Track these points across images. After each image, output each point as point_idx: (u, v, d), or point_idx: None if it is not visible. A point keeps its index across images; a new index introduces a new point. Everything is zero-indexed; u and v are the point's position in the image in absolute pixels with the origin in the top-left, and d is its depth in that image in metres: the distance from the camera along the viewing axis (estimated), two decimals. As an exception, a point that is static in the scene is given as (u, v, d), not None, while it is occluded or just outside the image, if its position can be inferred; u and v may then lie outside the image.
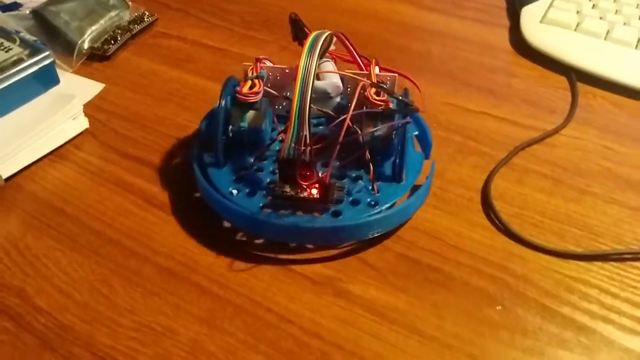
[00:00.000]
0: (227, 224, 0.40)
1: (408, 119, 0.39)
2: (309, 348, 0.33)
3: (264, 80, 0.40)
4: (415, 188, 0.39)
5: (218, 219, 0.39)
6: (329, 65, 0.43)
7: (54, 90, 0.46)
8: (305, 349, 0.33)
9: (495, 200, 0.41)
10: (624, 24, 0.54)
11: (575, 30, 0.55)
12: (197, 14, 0.61)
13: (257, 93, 0.39)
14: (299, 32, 0.42)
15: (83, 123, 0.45)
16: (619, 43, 0.53)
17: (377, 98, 0.38)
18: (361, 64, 0.42)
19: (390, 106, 0.38)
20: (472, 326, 0.34)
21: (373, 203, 0.38)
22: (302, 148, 0.35)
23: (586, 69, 0.52)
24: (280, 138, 0.40)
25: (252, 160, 0.41)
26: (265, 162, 0.41)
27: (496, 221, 0.40)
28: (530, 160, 0.45)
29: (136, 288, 0.36)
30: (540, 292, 0.36)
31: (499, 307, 0.35)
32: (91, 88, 0.49)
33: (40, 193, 0.42)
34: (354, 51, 0.42)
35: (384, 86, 0.39)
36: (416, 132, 0.43)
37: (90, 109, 0.48)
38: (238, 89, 0.39)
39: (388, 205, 0.38)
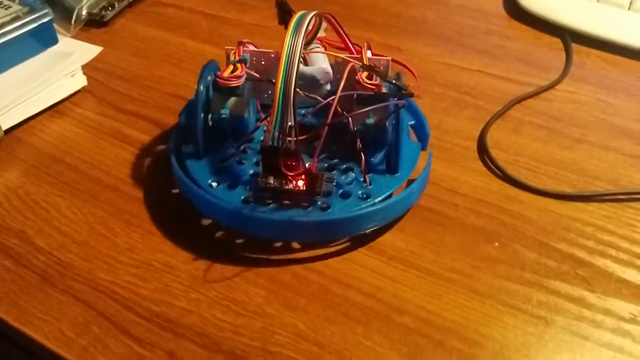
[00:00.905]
0: (206, 222, 0.36)
1: (403, 101, 0.35)
2: (307, 282, 0.33)
3: (247, 64, 0.37)
4: (410, 182, 0.37)
5: (197, 216, 0.36)
6: (318, 51, 0.40)
7: (52, 49, 0.46)
8: (304, 282, 0.33)
9: (491, 148, 0.42)
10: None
11: (568, -6, 0.55)
12: (194, -16, 0.61)
13: (239, 77, 0.36)
14: (285, 14, 0.38)
15: (81, 81, 0.46)
16: (611, 4, 0.53)
17: (369, 82, 0.35)
18: (352, 48, 0.39)
19: (384, 90, 0.35)
20: (469, 261, 0.35)
21: (365, 196, 0.35)
22: (287, 137, 0.32)
23: (580, 29, 0.52)
24: (263, 126, 0.37)
25: (233, 150, 0.37)
26: (248, 152, 0.38)
27: (492, 167, 0.41)
28: (526, 112, 0.45)
29: (135, 229, 0.36)
30: (537, 229, 0.36)
31: (497, 244, 0.36)
32: (89, 50, 0.50)
33: (39, 145, 0.42)
34: (343, 34, 0.38)
35: (377, 69, 0.36)
36: (412, 122, 0.40)
37: (88, 70, 0.48)
38: (219, 73, 0.36)
39: (381, 197, 0.35)
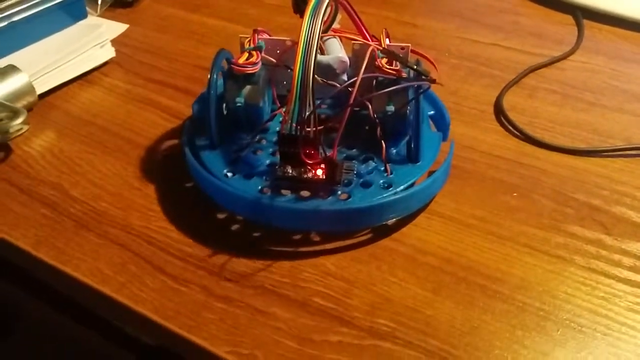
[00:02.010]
0: (221, 215, 0.35)
1: (425, 84, 0.34)
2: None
3: (262, 51, 0.36)
4: (431, 173, 0.36)
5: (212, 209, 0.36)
6: (334, 41, 0.39)
7: (81, 23, 0.48)
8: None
9: (507, 111, 0.43)
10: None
11: (578, -26, 0.57)
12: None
13: (255, 64, 0.35)
14: (300, 3, 0.37)
15: (110, 52, 0.48)
16: (621, -18, 0.55)
17: (389, 67, 0.35)
18: (367, 35, 0.37)
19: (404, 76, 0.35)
20: (489, 209, 0.36)
21: (386, 185, 0.34)
22: (306, 124, 0.31)
23: (591, 6, 0.54)
24: (279, 115, 0.37)
25: (248, 140, 0.36)
26: (263, 143, 0.37)
27: (509, 127, 0.42)
28: (540, 80, 0.47)
29: (169, 183, 0.38)
30: (554, 181, 0.37)
31: (515, 194, 0.37)
32: (116, 27, 0.52)
33: (71, 109, 0.44)
34: (359, 21, 0.37)
35: (398, 54, 0.36)
36: (431, 112, 0.40)
37: (115, 45, 0.50)
38: (234, 60, 0.36)
39: (403, 187, 0.34)
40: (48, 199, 0.36)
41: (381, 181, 0.34)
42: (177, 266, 0.32)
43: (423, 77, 0.34)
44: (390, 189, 0.34)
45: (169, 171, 0.38)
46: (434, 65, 0.36)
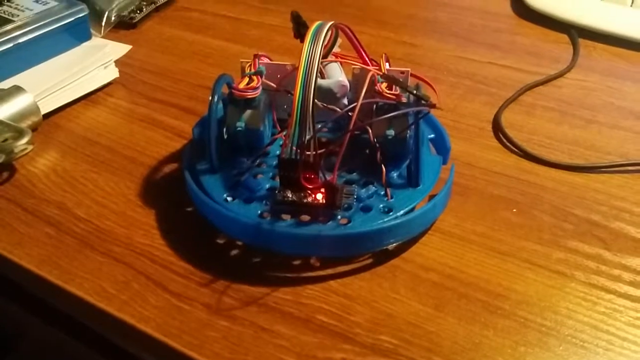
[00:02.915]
0: (221, 240, 0.36)
1: (424, 109, 0.34)
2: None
3: (263, 76, 0.37)
4: (431, 197, 0.36)
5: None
6: (334, 65, 0.39)
7: (86, 44, 0.49)
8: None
9: (506, 128, 0.44)
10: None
11: (573, -7, 0.58)
12: (215, -8, 0.65)
13: (255, 88, 0.36)
14: (301, 27, 0.38)
15: (113, 72, 0.48)
16: (614, 2, 0.56)
17: (389, 92, 0.35)
18: (367, 59, 0.38)
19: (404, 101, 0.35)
20: (490, 225, 0.36)
21: (387, 209, 0.34)
22: (306, 149, 0.31)
23: (586, 24, 0.55)
24: (279, 140, 0.37)
25: (249, 164, 0.36)
26: (263, 167, 0.37)
27: (508, 144, 0.42)
28: (537, 97, 0.47)
29: (172, 202, 0.38)
30: (553, 197, 0.38)
31: (515, 210, 0.37)
32: (120, 48, 0.52)
33: (75, 129, 0.44)
34: (358, 45, 0.37)
35: (397, 79, 0.36)
36: (432, 136, 0.40)
37: (119, 65, 0.50)
38: (234, 85, 0.36)
39: (404, 211, 0.34)
40: (52, 218, 0.37)
41: (381, 205, 0.34)
42: (180, 284, 0.33)
43: (422, 102, 0.34)
44: (391, 213, 0.34)
45: (173, 190, 0.39)
46: (434, 89, 0.36)
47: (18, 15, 0.47)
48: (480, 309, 0.31)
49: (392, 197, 0.35)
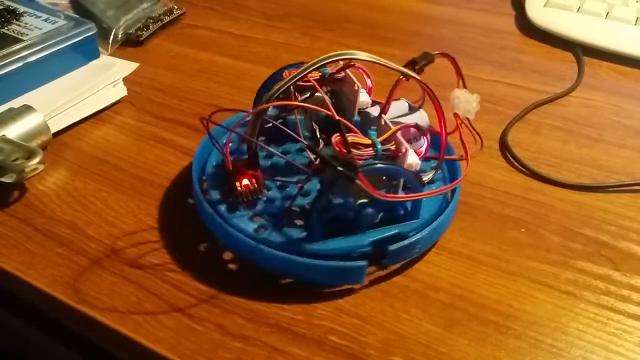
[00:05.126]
0: (229, 258, 0.36)
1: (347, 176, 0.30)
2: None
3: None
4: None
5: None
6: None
7: (94, 62, 0.49)
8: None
9: (513, 147, 0.44)
10: (624, 4, 0.58)
11: (577, 12, 0.58)
12: (221, 9, 0.65)
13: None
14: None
15: (122, 91, 0.49)
16: (619, 20, 0.56)
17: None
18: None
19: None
20: (498, 245, 0.36)
21: None
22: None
23: (591, 43, 0.55)
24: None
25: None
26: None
27: (515, 163, 0.43)
28: (543, 116, 0.48)
29: (182, 221, 0.38)
30: (561, 217, 0.38)
31: (523, 229, 0.37)
32: (128, 65, 0.53)
33: (84, 148, 0.44)
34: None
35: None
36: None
37: (127, 83, 0.51)
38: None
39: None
40: (63, 238, 0.37)
41: None
42: (193, 304, 0.33)
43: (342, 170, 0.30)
44: None
45: (182, 209, 0.39)
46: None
47: (27, 34, 0.47)
48: (491, 330, 0.31)
49: None
